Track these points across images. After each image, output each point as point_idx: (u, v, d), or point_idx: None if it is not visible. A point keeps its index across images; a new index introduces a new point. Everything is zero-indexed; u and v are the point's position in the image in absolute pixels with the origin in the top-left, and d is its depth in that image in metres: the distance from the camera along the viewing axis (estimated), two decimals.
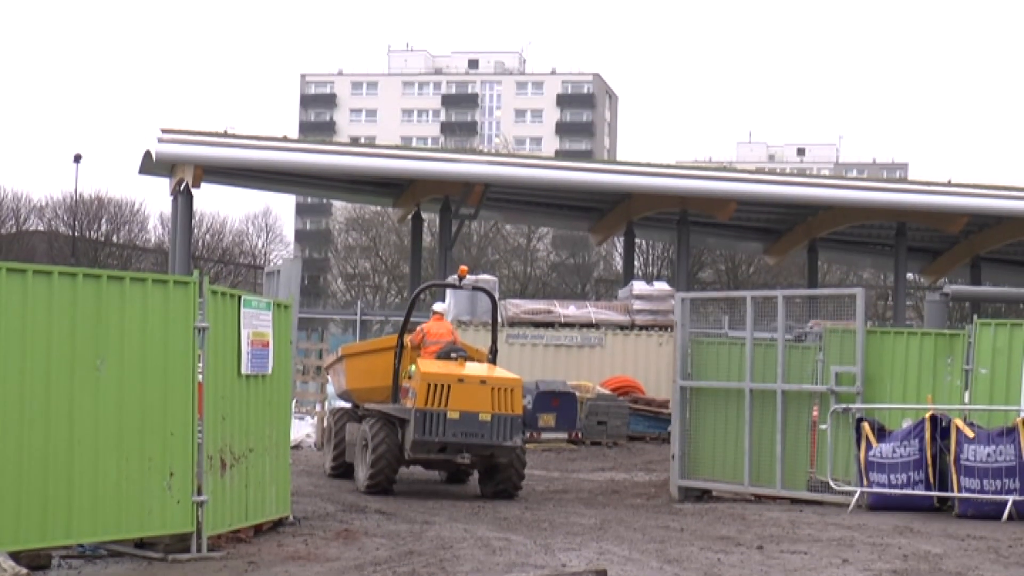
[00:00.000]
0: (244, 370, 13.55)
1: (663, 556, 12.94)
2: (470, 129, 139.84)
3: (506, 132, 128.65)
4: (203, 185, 43.14)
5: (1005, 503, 16.02)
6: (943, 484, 16.71)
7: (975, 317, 18.31)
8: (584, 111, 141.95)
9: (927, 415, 16.94)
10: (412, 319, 20.29)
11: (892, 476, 16.93)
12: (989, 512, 16.10)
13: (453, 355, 19.20)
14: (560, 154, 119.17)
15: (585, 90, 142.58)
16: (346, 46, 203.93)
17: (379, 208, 73.71)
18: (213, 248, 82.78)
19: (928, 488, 16.78)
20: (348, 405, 22.07)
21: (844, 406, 17.73)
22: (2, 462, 11.03)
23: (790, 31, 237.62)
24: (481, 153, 70.36)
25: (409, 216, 51.06)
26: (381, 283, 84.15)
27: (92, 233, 77.72)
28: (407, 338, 19.80)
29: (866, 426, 17.30)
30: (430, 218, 56.51)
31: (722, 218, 47.82)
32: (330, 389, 26.62)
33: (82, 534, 11.70)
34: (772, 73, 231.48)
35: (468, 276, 22.08)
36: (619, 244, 68.19)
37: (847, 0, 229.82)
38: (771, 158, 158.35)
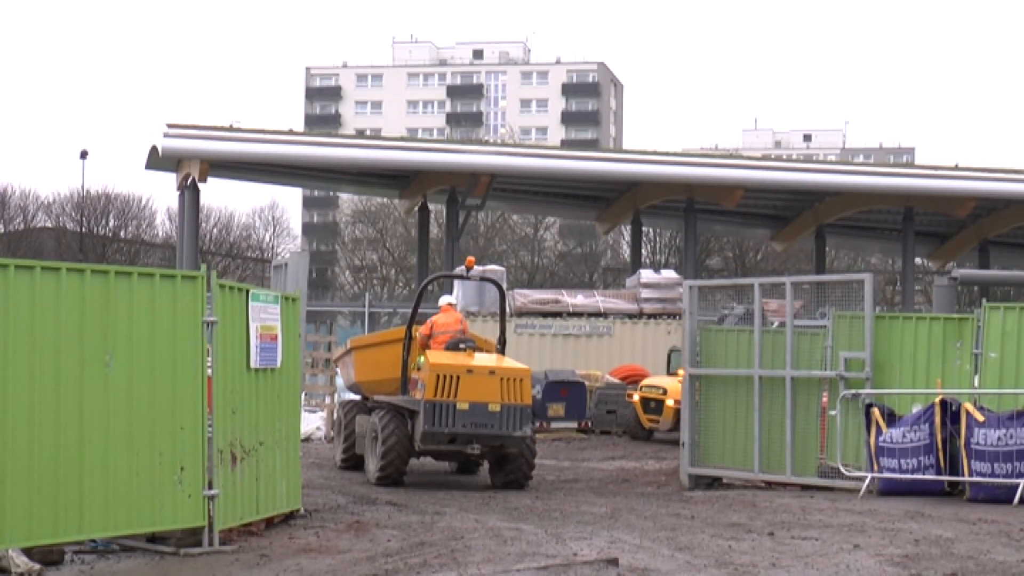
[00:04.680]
0: (253, 364, 13.55)
1: (674, 544, 12.94)
2: (476, 120, 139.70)
3: (512, 122, 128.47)
4: (209, 179, 43.24)
5: (1016, 487, 15.99)
6: (954, 468, 16.69)
7: (984, 301, 18.28)
8: (589, 100, 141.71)
9: (937, 400, 16.91)
10: (420, 311, 20.28)
11: (902, 461, 16.91)
12: (1000, 496, 16.08)
13: (462, 346, 19.19)
14: (566, 143, 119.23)
15: (590, 79, 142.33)
16: (350, 38, 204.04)
17: (386, 200, 73.75)
18: (220, 242, 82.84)
19: (939, 473, 16.76)
20: (357, 397, 22.08)
21: (853, 392, 17.70)
22: (13, 458, 11.05)
23: (795, 17, 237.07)
24: (487, 144, 70.32)
25: (416, 208, 51.10)
26: (389, 275, 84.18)
27: (100, 229, 77.83)
28: (416, 330, 19.79)
29: (876, 411, 17.27)
30: (437, 209, 56.57)
31: (729, 205, 47.81)
32: (339, 382, 26.66)
33: (94, 529, 11.71)
34: (777, 59, 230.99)
35: (476, 267, 22.09)
36: (626, 233, 68.18)
37: None
38: (777, 144, 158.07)
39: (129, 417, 11.90)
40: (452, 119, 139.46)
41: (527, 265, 78.54)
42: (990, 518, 14.68)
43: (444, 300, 20.82)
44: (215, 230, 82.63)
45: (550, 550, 12.51)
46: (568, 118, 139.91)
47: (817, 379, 18.25)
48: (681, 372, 28.81)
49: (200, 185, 43.63)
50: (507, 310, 22.43)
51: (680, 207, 49.01)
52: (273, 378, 14.04)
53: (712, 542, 13.04)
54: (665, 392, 28.10)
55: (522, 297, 36.77)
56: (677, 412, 27.73)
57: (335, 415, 24.01)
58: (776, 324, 24.18)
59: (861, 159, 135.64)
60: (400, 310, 48.56)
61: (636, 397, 29.07)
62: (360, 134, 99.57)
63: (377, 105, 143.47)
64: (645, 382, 29.51)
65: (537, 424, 26.91)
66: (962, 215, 49.30)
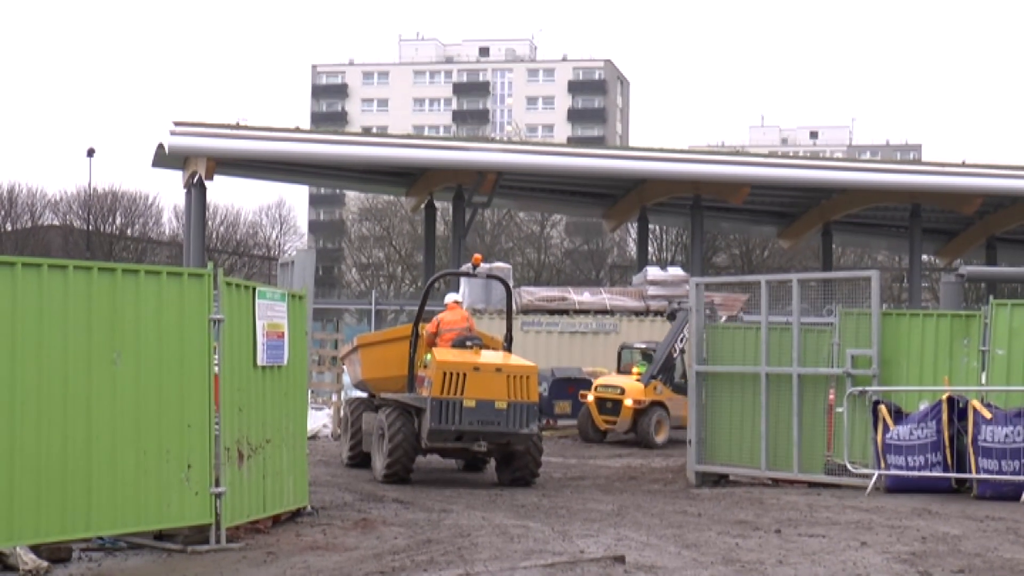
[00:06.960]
0: (260, 361, 13.57)
1: (681, 541, 12.93)
2: (482, 117, 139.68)
3: (518, 119, 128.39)
4: (216, 177, 43.20)
5: (1023, 484, 15.97)
6: (961, 466, 16.67)
7: (991, 298, 18.21)
8: (596, 97, 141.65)
9: (944, 397, 16.89)
10: (427, 308, 20.30)
11: (909, 458, 16.89)
12: (1007, 493, 16.06)
13: (468, 343, 19.19)
14: (572, 141, 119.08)
15: (596, 76, 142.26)
16: (357, 36, 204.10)
17: (392, 197, 73.71)
18: (227, 240, 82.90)
19: (946, 470, 16.74)
20: (364, 395, 22.09)
21: (860, 389, 17.68)
22: (21, 456, 11.06)
23: (801, 14, 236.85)
24: (493, 141, 70.30)
25: (422, 205, 51.09)
26: (395, 272, 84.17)
27: (107, 227, 77.91)
28: (422, 327, 19.80)
29: (883, 408, 17.25)
30: (443, 207, 56.51)
31: (736, 202, 47.75)
32: (346, 379, 26.67)
33: (101, 527, 11.73)
34: (784, 56, 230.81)
35: (482, 264, 22.08)
36: (633, 230, 68.10)
37: None
38: (784, 141, 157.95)
39: (136, 415, 11.92)
40: (458, 116, 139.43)
41: (533, 262, 78.47)
42: (997, 515, 14.66)
43: (450, 298, 20.82)
44: (222, 228, 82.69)
45: (557, 547, 12.51)
46: (574, 115, 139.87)
47: (824, 376, 18.24)
48: (636, 370, 28.77)
49: (207, 183, 43.62)
50: (513, 307, 22.41)
51: (687, 204, 48.97)
52: (280, 376, 14.05)
53: (719, 539, 13.04)
54: (623, 392, 27.70)
55: (528, 294, 36.76)
56: (635, 412, 27.55)
57: (342, 413, 24.03)
58: (724, 319, 24.31)
59: (868, 156, 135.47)
60: (406, 307, 48.59)
61: (591, 397, 28.29)
62: (366, 132, 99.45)
63: (383, 103, 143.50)
64: (600, 381, 28.69)
65: (544, 421, 26.92)
66: (969, 212, 49.20)
